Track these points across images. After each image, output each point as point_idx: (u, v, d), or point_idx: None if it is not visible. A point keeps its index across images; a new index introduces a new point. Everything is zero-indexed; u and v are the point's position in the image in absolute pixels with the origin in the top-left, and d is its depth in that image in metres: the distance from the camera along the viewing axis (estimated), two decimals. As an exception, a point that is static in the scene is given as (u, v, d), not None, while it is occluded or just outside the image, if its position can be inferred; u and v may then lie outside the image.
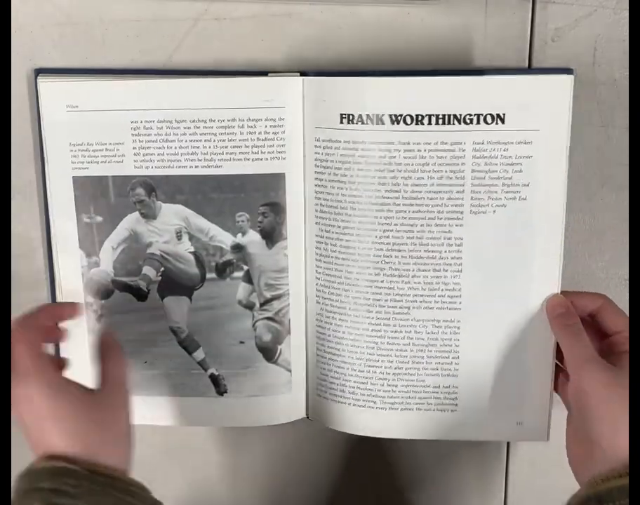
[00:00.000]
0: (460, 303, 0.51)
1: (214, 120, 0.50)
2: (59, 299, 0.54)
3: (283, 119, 0.50)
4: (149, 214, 0.53)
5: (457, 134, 0.48)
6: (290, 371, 0.55)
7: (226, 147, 0.51)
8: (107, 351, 0.48)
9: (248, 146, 0.51)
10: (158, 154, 0.51)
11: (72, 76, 0.51)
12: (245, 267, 0.54)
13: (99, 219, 0.53)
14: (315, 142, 0.50)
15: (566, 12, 0.51)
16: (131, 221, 0.53)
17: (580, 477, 0.45)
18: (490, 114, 0.47)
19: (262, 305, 0.54)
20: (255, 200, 0.52)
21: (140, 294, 0.54)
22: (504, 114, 0.47)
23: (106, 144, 0.51)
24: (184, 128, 0.50)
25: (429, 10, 0.51)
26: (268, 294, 0.54)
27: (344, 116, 0.48)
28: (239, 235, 0.53)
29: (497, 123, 0.47)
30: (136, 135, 0.51)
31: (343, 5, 0.51)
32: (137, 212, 0.53)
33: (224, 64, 0.52)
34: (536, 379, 0.51)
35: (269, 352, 0.55)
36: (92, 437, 0.43)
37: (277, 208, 0.52)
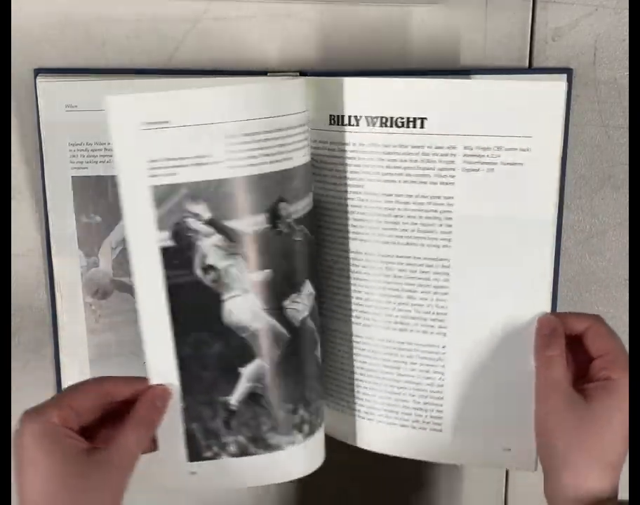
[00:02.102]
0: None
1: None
2: (58, 299, 0.54)
3: (282, 119, 0.50)
4: (148, 214, 0.53)
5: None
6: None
7: (225, 147, 0.50)
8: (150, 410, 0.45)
9: (247, 146, 0.51)
10: (157, 154, 0.51)
11: (71, 76, 0.51)
12: (245, 267, 0.54)
13: (98, 219, 0.53)
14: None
15: (566, 12, 0.51)
16: (130, 221, 0.53)
17: None
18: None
19: (261, 305, 0.54)
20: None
21: (139, 294, 0.54)
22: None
23: (105, 143, 0.51)
24: (184, 127, 0.50)
25: (429, 10, 0.51)
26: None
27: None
28: (239, 235, 0.53)
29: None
30: (135, 135, 0.51)
31: (343, 5, 0.51)
32: (136, 212, 0.53)
33: (224, 64, 0.52)
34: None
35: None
36: None
37: (277, 208, 0.52)
